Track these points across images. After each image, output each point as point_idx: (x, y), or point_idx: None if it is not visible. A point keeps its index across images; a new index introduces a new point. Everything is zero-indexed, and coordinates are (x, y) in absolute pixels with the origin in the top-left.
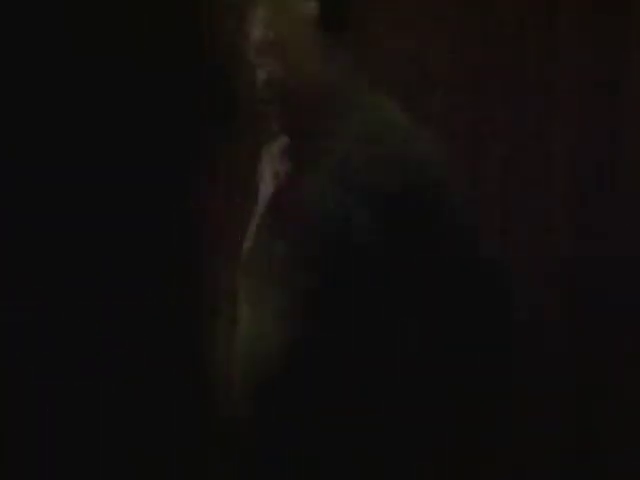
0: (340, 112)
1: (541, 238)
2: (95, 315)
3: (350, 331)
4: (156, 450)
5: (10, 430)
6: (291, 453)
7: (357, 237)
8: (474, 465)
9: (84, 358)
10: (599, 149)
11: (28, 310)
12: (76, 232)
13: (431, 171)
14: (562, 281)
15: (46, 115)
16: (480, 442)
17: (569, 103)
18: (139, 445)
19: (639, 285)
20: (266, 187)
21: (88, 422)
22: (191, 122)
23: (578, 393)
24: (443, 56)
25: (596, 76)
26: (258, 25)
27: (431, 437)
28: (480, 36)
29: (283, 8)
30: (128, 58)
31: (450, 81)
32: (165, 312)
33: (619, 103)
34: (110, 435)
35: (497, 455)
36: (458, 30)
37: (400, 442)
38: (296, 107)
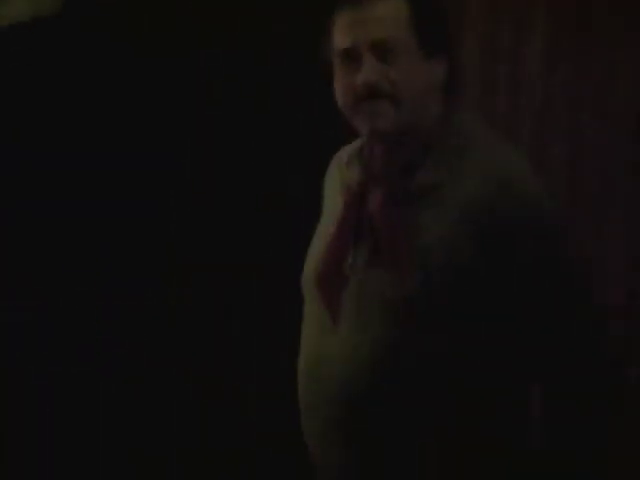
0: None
1: None
2: (95, 315)
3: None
4: (156, 450)
5: (10, 430)
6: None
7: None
8: None
9: (84, 358)
10: None
11: (28, 310)
12: (76, 231)
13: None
14: None
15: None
16: None
17: None
18: (139, 445)
19: None
20: (333, 200)
21: (88, 422)
22: None
23: None
24: None
25: None
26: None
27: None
28: None
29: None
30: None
31: None
32: (165, 312)
33: None
34: (110, 435)
35: None
36: None
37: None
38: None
